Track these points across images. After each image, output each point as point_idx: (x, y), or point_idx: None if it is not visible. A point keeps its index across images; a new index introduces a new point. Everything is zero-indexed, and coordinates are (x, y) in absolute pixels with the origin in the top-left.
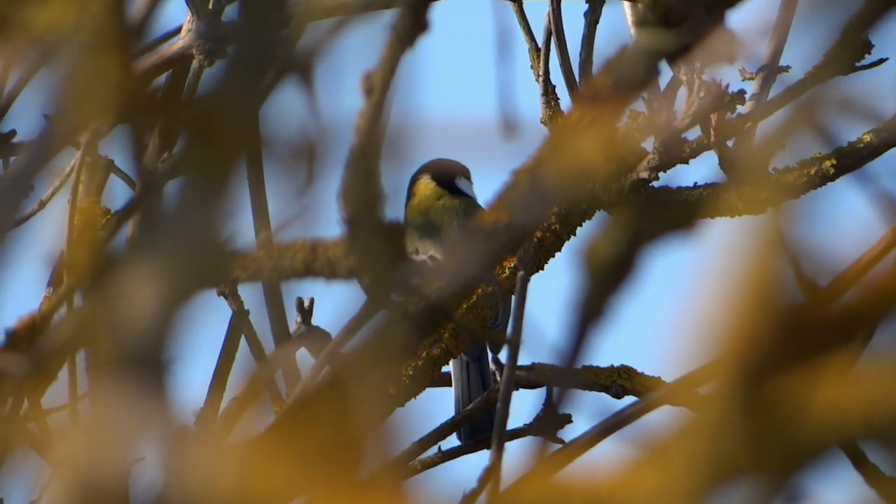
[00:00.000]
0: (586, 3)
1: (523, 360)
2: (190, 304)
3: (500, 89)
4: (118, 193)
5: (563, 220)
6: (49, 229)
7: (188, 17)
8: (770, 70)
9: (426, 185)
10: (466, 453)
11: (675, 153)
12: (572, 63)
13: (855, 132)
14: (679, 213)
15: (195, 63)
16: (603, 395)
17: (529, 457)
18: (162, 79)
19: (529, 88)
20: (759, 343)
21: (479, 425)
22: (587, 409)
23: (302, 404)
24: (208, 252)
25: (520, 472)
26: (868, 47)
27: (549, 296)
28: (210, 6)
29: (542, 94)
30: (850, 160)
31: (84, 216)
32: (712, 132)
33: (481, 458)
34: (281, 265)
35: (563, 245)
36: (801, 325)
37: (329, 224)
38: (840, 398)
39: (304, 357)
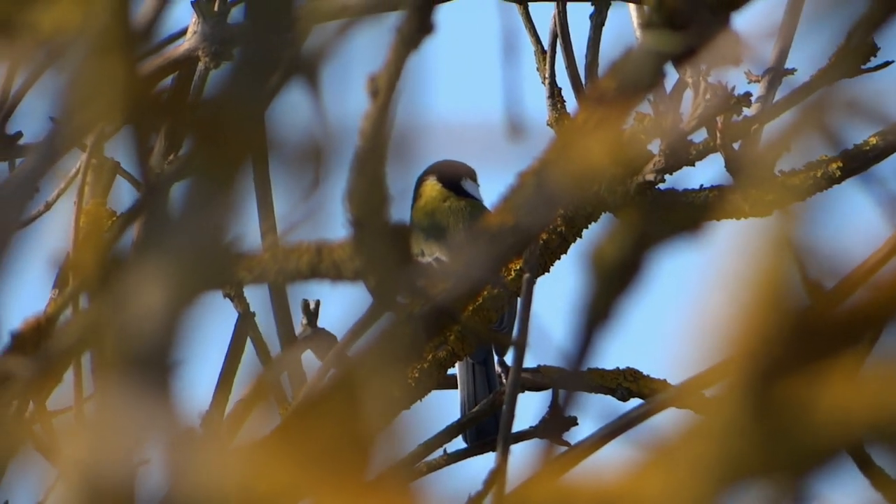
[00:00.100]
0: (592, 5)
1: (529, 362)
2: (196, 306)
3: (506, 91)
4: (124, 195)
5: (568, 222)
6: (55, 231)
7: (194, 20)
8: (776, 72)
9: (432, 187)
10: (472, 455)
11: (682, 155)
12: (578, 65)
13: (861, 135)
14: (685, 215)
15: (201, 65)
16: (609, 397)
17: (535, 459)
18: (168, 81)
19: (535, 91)
20: (765, 345)
21: (485, 427)
22: (593, 411)
23: (308, 406)
24: (214, 254)
25: (525, 475)
26: (874, 50)
27: (555, 298)
28: (216, 8)
29: (548, 97)
30: (857, 162)
31: (90, 218)
32: (718, 134)
33: (487, 460)
34: (286, 267)
35: (568, 247)
36: (808, 327)
37: (335, 226)
38: (846, 400)
39: (309, 359)
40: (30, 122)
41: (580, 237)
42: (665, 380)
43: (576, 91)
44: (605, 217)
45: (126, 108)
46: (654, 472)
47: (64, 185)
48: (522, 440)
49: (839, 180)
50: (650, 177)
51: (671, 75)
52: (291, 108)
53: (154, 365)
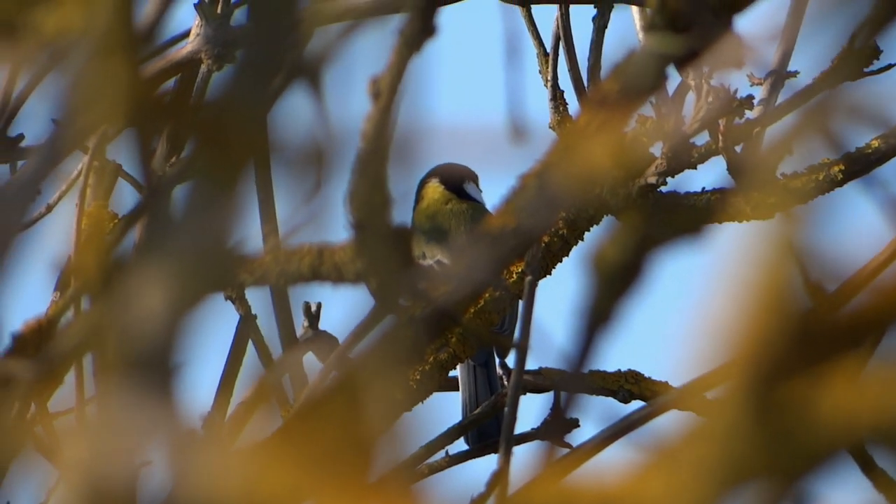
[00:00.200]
0: (595, 7)
1: (531, 364)
2: (197, 309)
3: (509, 94)
4: (126, 197)
5: (570, 224)
6: (57, 233)
7: (196, 22)
8: (778, 75)
9: (434, 190)
10: (474, 457)
11: (684, 158)
12: (581, 68)
13: (863, 137)
14: (687, 218)
15: (203, 67)
16: (610, 399)
17: (537, 461)
18: (170, 83)
19: (538, 93)
20: (767, 348)
21: (487, 429)
22: (595, 413)
23: (309, 408)
24: (216, 256)
25: (527, 477)
26: (876, 53)
27: (557, 300)
28: (218, 11)
29: (551, 99)
30: (859, 165)
31: (92, 220)
32: (720, 137)
33: (489, 462)
34: (288, 269)
35: (570, 250)
36: (810, 330)
37: (336, 228)
38: (848, 403)
39: (311, 361)
40: (32, 124)
41: (582, 240)
42: (667, 382)
43: (578, 94)
44: (606, 220)
45: (128, 110)
46: (656, 474)
47: (66, 188)
48: (524, 442)
49: (841, 183)
50: (652, 179)
51: (674, 78)
52: (294, 110)
53: (155, 367)
